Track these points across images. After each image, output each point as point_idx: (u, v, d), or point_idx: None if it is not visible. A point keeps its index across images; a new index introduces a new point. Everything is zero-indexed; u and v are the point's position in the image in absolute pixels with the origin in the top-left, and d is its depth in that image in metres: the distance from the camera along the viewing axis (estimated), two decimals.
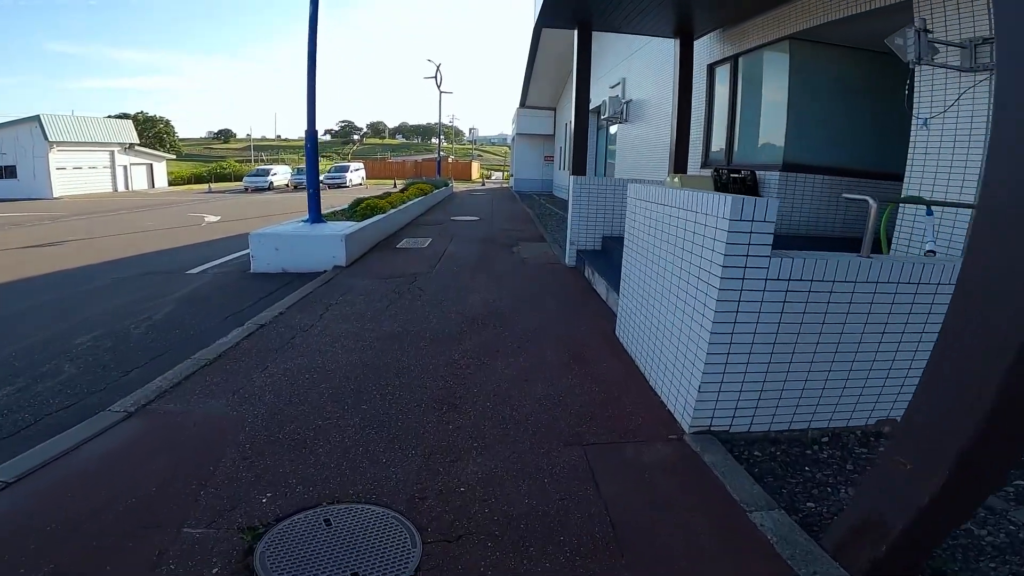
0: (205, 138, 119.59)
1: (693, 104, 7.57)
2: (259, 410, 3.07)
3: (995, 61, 2.61)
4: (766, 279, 2.41)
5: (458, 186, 34.60)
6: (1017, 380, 1.46)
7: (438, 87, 27.46)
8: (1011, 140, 1.43)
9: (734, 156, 7.16)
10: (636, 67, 11.68)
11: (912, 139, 4.13)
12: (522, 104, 25.49)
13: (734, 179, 6.14)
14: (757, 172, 6.23)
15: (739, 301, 2.44)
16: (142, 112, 79.62)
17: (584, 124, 7.19)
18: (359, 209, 9.12)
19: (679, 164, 7.49)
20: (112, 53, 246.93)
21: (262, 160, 69.91)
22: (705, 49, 7.83)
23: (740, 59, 7.08)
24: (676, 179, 6.32)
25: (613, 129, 15.48)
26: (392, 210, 10.10)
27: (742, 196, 2.26)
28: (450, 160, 55.87)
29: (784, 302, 2.47)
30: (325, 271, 6.74)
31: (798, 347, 2.62)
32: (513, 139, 30.14)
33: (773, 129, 6.32)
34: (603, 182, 6.66)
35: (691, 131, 7.61)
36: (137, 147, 36.18)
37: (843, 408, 2.88)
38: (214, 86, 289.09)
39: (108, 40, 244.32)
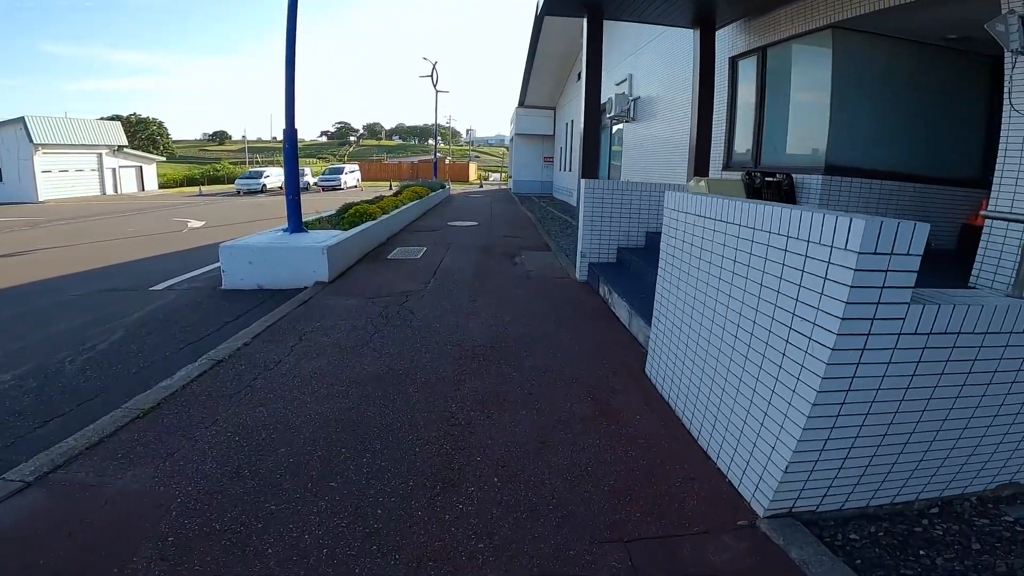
0: (200, 140, 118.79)
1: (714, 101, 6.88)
2: (195, 485, 2.34)
3: None
4: (899, 333, 1.68)
5: (455, 188, 33.88)
6: None
7: (434, 86, 26.63)
8: None
9: (762, 157, 6.46)
10: (644, 62, 10.99)
11: (1003, 140, 3.41)
12: (521, 104, 24.80)
13: (768, 183, 5.43)
14: (794, 175, 5.51)
15: (859, 363, 1.71)
16: (135, 114, 79.02)
17: (595, 121, 6.47)
18: (347, 215, 8.37)
19: (700, 166, 6.78)
20: (110, 54, 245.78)
21: (257, 162, 69.22)
22: (727, 41, 7.13)
23: (768, 51, 6.38)
24: (702, 183, 5.60)
25: (617, 128, 14.80)
26: (383, 216, 9.35)
27: (878, 218, 1.52)
28: (447, 161, 55.24)
29: (919, 362, 1.75)
30: (305, 287, 5.99)
31: (927, 413, 1.90)
32: (511, 140, 29.45)
33: (812, 128, 5.62)
34: (618, 186, 5.95)
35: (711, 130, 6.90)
36: (126, 149, 35.34)
37: (964, 474, 2.18)
38: (213, 87, 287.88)
39: (106, 41, 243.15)
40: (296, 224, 6.67)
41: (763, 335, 2.11)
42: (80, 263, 8.10)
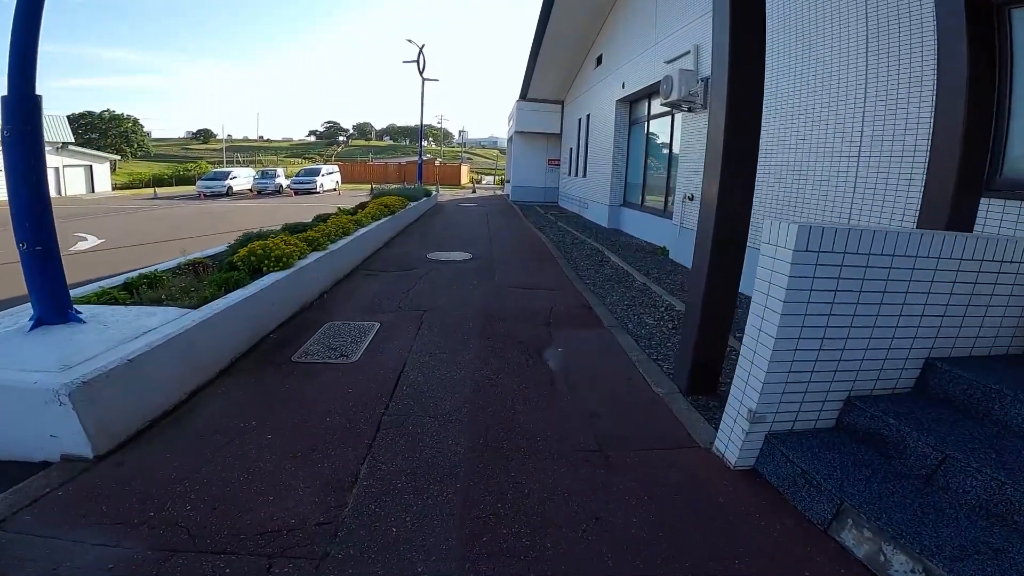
0: (184, 138, 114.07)
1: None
2: None
3: None
4: None
5: (445, 193, 29.98)
6: None
7: (420, 72, 22.55)
8: None
9: None
10: None
11: None
12: (523, 96, 21.04)
13: None
14: None
15: None
16: (108, 110, 74.58)
17: (756, 89, 2.81)
18: (236, 260, 4.53)
19: (966, 184, 3.12)
20: (101, 53, 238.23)
21: (238, 161, 65.38)
22: None
23: None
24: None
25: (659, 123, 11.17)
26: (309, 258, 5.33)
27: None
28: (437, 163, 51.45)
29: None
30: (47, 463, 2.26)
31: None
32: (510, 139, 25.66)
33: None
34: (877, 242, 2.19)
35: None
36: (72, 147, 31.20)
37: None
38: (208, 87, 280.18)
39: (97, 40, 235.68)
40: (52, 305, 2.79)
41: None
42: None
